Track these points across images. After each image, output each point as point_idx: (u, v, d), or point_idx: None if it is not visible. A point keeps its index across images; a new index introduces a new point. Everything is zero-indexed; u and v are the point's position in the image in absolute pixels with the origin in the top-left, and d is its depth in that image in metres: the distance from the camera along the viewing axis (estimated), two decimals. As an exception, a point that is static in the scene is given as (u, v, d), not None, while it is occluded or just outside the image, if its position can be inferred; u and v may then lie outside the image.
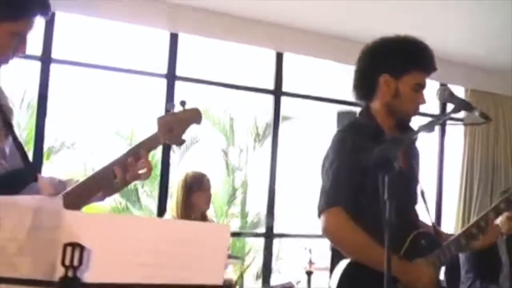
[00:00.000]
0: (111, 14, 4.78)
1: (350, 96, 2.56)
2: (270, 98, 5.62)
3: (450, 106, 2.28)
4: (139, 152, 1.88)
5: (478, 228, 2.47)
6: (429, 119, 2.16)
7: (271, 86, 5.61)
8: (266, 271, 5.54)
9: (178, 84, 5.04)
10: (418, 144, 2.58)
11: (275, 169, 5.48)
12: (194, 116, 1.99)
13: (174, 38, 5.04)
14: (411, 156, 2.53)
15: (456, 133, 6.41)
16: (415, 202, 2.50)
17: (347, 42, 5.41)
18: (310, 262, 4.28)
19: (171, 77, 5.02)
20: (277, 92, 5.60)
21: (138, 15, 4.81)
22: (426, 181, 2.90)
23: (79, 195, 1.85)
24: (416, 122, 2.39)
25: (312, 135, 8.76)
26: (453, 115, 2.24)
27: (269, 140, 6.13)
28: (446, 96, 2.26)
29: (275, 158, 5.49)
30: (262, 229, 6.81)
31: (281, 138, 5.58)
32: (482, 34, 5.41)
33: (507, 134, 6.58)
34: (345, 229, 2.25)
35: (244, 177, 9.55)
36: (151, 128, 1.95)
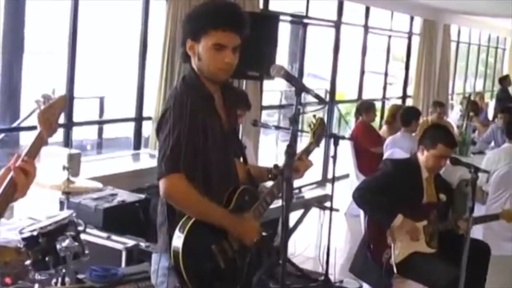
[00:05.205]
0: None
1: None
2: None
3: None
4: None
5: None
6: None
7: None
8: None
9: None
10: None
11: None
12: (62, 104, 2.05)
13: None
14: (233, 109, 2.68)
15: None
16: (235, 156, 2.70)
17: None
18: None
19: None
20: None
21: None
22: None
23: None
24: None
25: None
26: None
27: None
28: (282, 74, 2.44)
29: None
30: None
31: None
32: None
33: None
34: (188, 194, 2.42)
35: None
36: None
